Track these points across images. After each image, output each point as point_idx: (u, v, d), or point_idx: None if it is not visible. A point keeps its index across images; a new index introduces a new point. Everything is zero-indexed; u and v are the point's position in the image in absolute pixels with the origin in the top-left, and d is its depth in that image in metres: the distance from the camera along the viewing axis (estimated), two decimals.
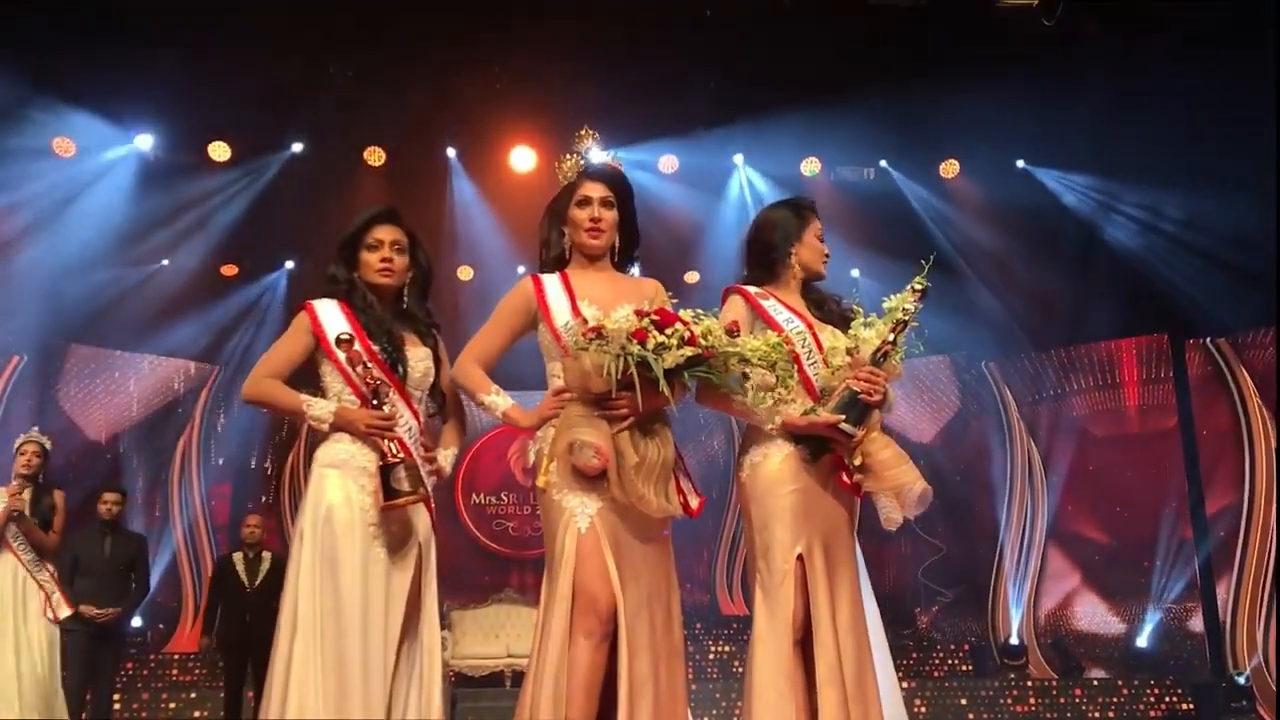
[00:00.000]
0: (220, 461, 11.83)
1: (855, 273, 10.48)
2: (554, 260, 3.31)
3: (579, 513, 2.98)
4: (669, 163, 10.65)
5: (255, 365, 3.30)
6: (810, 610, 3.09)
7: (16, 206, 9.72)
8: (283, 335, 3.32)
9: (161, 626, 11.21)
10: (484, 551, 12.28)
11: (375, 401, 3.15)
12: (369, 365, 3.15)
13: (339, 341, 3.16)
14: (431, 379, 3.33)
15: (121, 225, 10.12)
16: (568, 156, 3.33)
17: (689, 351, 2.91)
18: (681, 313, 2.99)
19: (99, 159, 9.95)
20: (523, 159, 10.50)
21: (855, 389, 3.09)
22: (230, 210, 10.34)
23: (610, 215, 3.26)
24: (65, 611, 6.15)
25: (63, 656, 6.19)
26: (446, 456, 3.37)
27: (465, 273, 11.48)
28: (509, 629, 10.49)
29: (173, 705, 8.95)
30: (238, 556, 7.71)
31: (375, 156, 10.40)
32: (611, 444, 2.93)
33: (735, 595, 12.30)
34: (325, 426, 3.19)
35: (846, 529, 3.23)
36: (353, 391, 3.19)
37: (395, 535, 3.16)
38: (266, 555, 7.69)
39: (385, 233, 3.34)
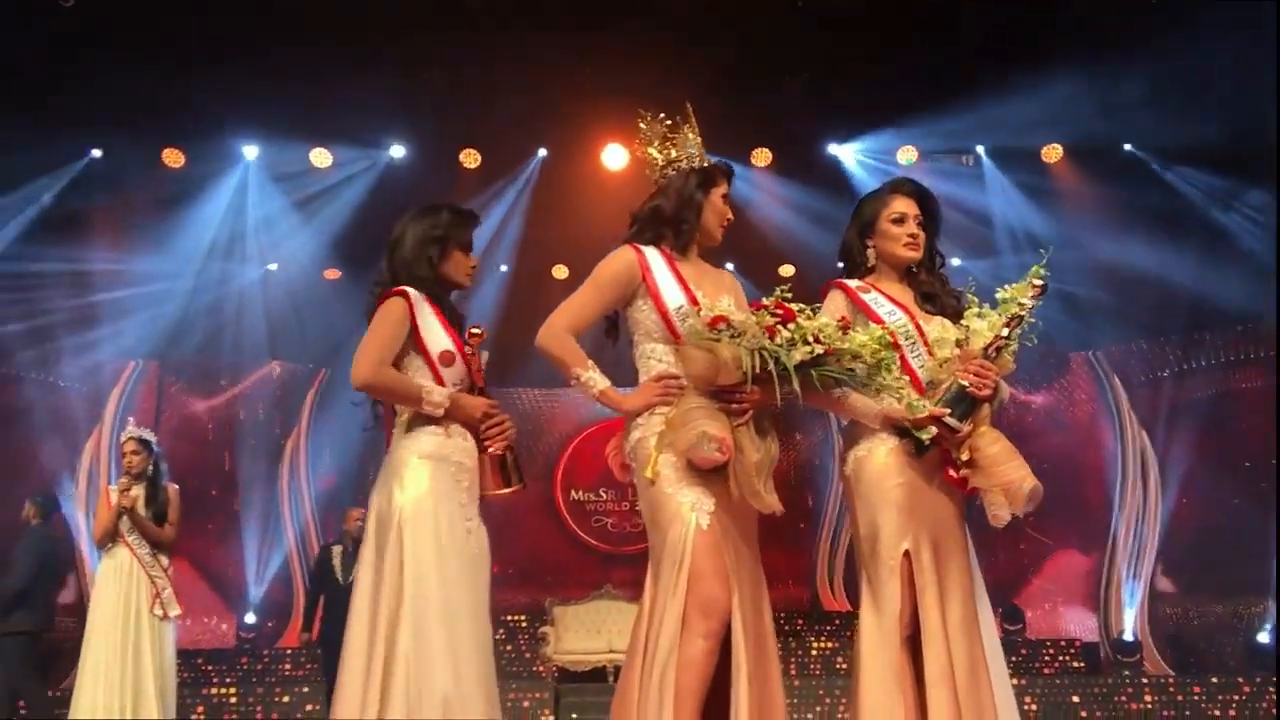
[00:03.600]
0: (328, 458, 12.10)
1: (956, 261, 10.27)
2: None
3: (698, 508, 2.91)
4: (762, 156, 10.58)
5: (360, 352, 3.15)
6: (918, 607, 3.01)
7: (130, 216, 10.12)
8: (380, 322, 3.19)
9: (271, 624, 11.54)
10: (584, 547, 12.38)
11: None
12: (477, 353, 3.17)
13: (471, 335, 3.20)
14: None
15: (230, 231, 10.45)
16: (677, 135, 3.23)
17: (818, 349, 2.86)
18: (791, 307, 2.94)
19: (207, 168, 10.28)
20: (615, 156, 10.52)
21: (964, 382, 3.01)
22: (333, 215, 10.58)
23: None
24: (175, 609, 6.19)
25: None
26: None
27: (560, 271, 11.56)
28: (610, 624, 10.51)
29: (285, 699, 9.16)
30: (337, 549, 7.66)
31: (471, 159, 10.55)
32: (732, 438, 2.87)
33: (837, 591, 12.18)
34: (439, 412, 3.14)
35: (956, 524, 3.13)
36: (437, 383, 3.17)
37: (480, 528, 3.19)
38: None
39: (470, 237, 3.37)
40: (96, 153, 9.92)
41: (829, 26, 8.70)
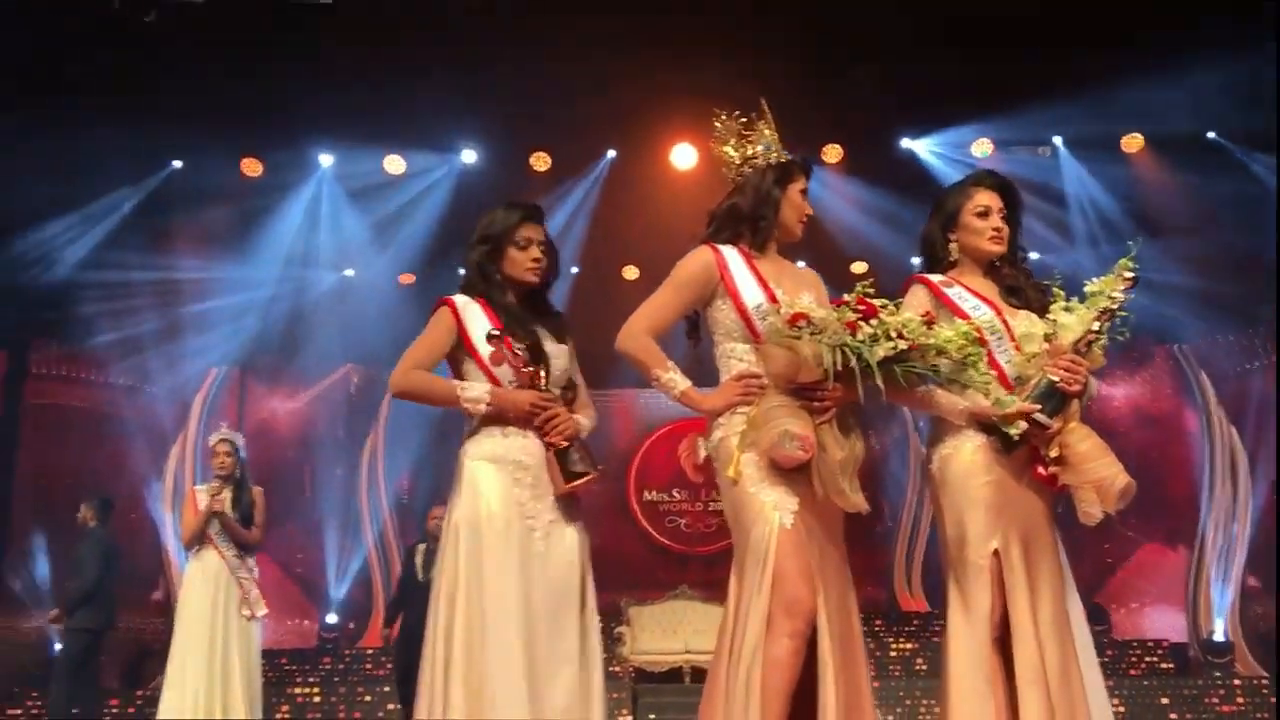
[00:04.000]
0: (404, 459, 12.25)
1: (1033, 255, 10.07)
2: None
3: (781, 507, 2.87)
4: (833, 152, 10.48)
5: (400, 360, 3.21)
6: (1008, 607, 2.95)
7: (210, 225, 10.37)
8: (425, 331, 3.24)
9: (352, 626, 11.72)
10: (658, 548, 12.39)
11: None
12: (519, 355, 3.14)
13: (489, 337, 3.14)
14: (567, 373, 3.30)
15: (307, 238, 10.65)
16: (753, 132, 3.20)
17: (902, 345, 2.82)
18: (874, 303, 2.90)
19: (284, 177, 10.49)
20: (684, 156, 10.51)
21: (1053, 378, 2.95)
22: (407, 221, 10.73)
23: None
24: (262, 609, 6.30)
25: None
26: (584, 421, 3.27)
27: (630, 272, 11.57)
28: (686, 625, 10.51)
29: (368, 699, 9.31)
30: (420, 548, 7.68)
31: (541, 161, 10.61)
32: (814, 436, 2.84)
33: (915, 591, 12.04)
34: (481, 408, 3.14)
35: (1045, 523, 3.06)
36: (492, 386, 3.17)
37: (557, 525, 3.16)
38: None
39: (535, 231, 3.31)
40: (177, 164, 10.17)
41: (901, 17, 8.58)
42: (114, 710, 9.31)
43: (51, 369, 10.58)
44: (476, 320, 3.21)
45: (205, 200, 10.18)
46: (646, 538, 12.38)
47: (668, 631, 10.50)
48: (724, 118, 3.23)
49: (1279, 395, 9.24)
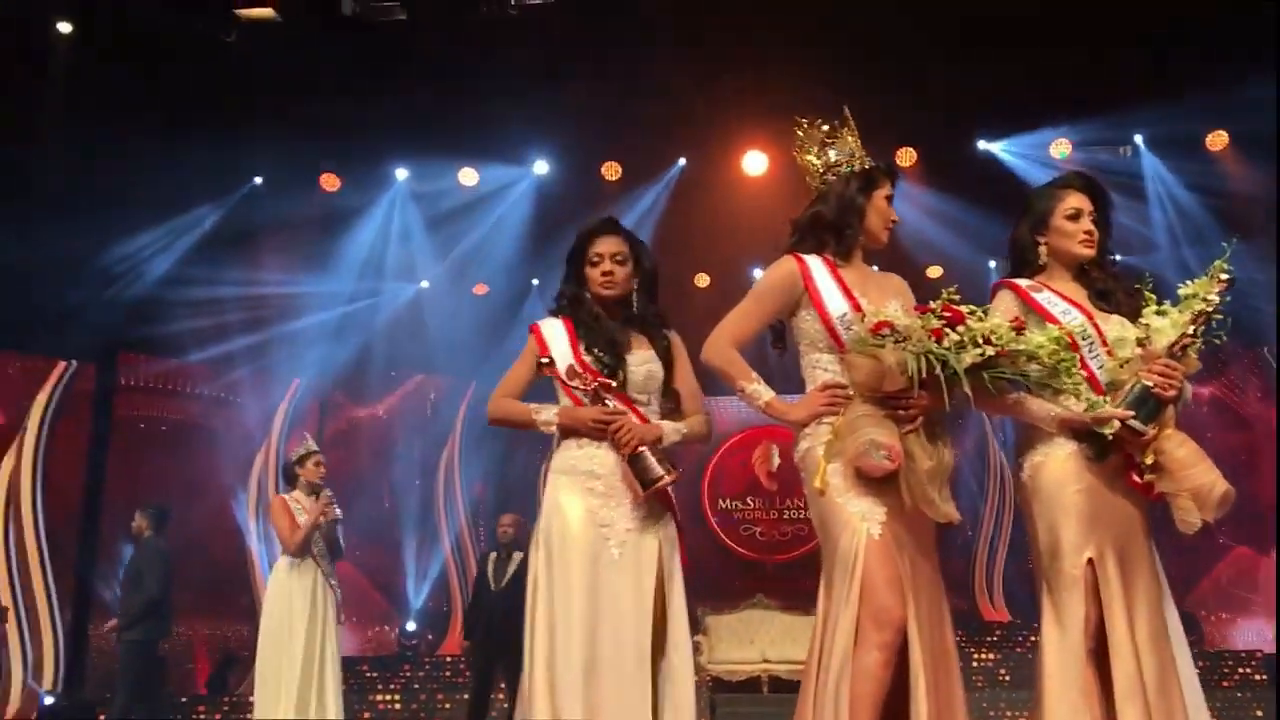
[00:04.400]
0: (479, 468, 12.37)
1: (1116, 257, 9.85)
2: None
3: (869, 517, 2.85)
4: (908, 155, 10.37)
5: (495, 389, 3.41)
6: (1104, 618, 2.88)
7: (287, 241, 10.59)
8: (519, 359, 3.44)
9: (430, 637, 11.85)
10: (733, 556, 12.33)
11: (600, 404, 3.21)
12: (583, 375, 3.21)
13: (539, 365, 3.29)
14: (658, 380, 3.33)
15: (384, 251, 10.85)
16: (836, 139, 3.18)
17: (990, 351, 2.77)
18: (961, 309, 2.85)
19: (361, 191, 10.70)
20: (755, 163, 10.50)
21: (1148, 383, 2.88)
22: (481, 232, 10.86)
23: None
24: (341, 616, 6.45)
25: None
26: (670, 427, 3.30)
27: (702, 280, 11.56)
28: (763, 634, 10.43)
29: (448, 705, 9.40)
30: (491, 556, 7.74)
31: (612, 171, 10.67)
32: (901, 446, 2.81)
33: (996, 601, 11.84)
34: (553, 429, 3.29)
35: (1141, 532, 2.98)
36: (573, 404, 3.27)
37: (634, 534, 3.19)
38: (517, 555, 7.53)
39: (604, 245, 3.37)
40: (258, 180, 10.41)
41: (970, 20, 8.47)
42: (200, 716, 9.52)
43: (139, 381, 10.85)
44: (556, 340, 3.34)
45: (285, 215, 10.40)
46: (721, 546, 12.32)
47: (744, 641, 10.43)
48: (806, 125, 3.22)
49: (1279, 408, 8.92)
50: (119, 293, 10.02)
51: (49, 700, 9.27)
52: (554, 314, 3.44)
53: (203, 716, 9.51)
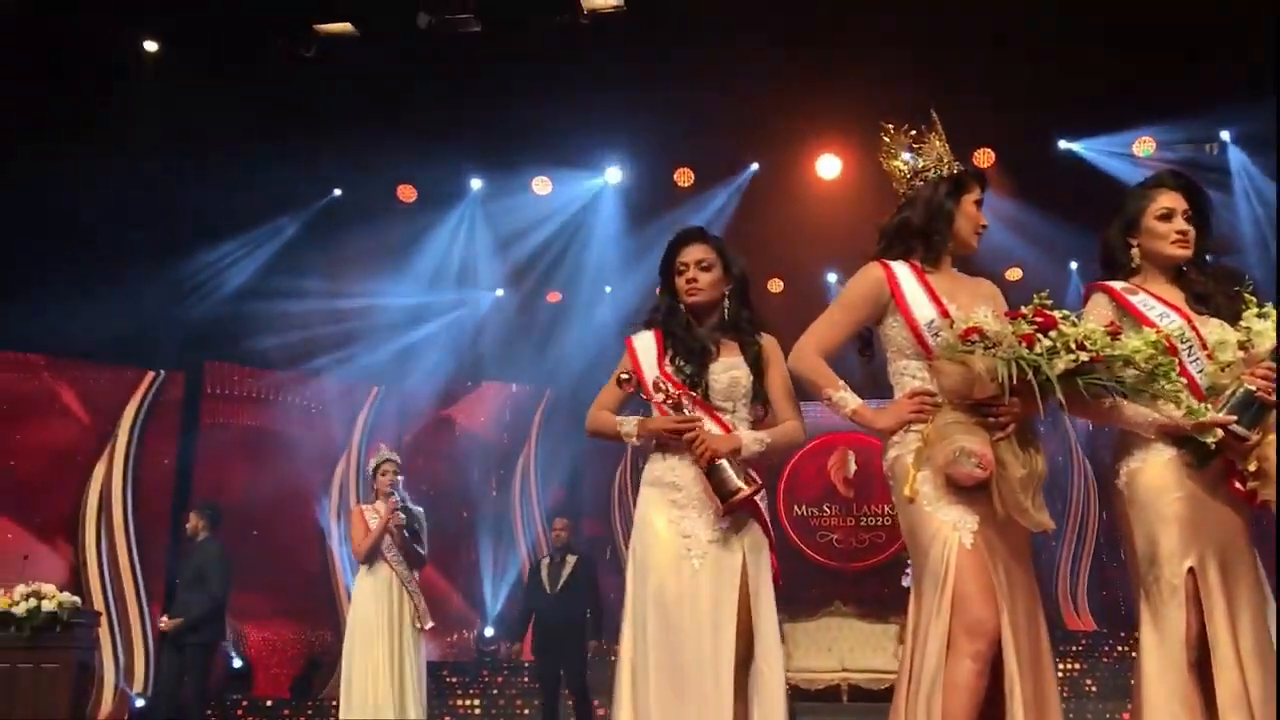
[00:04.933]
0: (555, 473, 12.47)
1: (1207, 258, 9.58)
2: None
3: (960, 526, 2.79)
4: (985, 156, 10.20)
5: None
6: (1206, 629, 2.80)
7: (366, 251, 10.77)
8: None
9: (508, 640, 11.92)
10: (810, 564, 12.21)
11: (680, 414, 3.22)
12: (665, 387, 3.24)
13: (619, 382, 3.32)
14: (744, 386, 3.32)
15: (459, 260, 10.99)
16: (924, 144, 3.14)
17: (1084, 356, 2.71)
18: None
19: (436, 201, 10.86)
20: (829, 166, 10.43)
21: (1250, 387, 2.79)
22: (554, 240, 10.96)
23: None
24: (429, 622, 6.45)
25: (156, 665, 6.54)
26: (750, 436, 3.29)
27: (775, 285, 11.50)
28: (842, 642, 10.34)
29: (526, 711, 9.46)
30: (545, 562, 7.78)
31: (685, 178, 10.66)
32: (993, 453, 2.76)
33: (1081, 610, 11.59)
34: (635, 440, 3.34)
35: (1243, 541, 2.89)
36: (660, 414, 3.30)
37: (712, 548, 3.18)
38: (571, 559, 7.65)
39: (689, 254, 3.41)
40: (337, 192, 10.61)
41: (1050, 16, 8.32)
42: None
43: (225, 390, 11.11)
44: (645, 352, 3.39)
45: (364, 227, 10.56)
46: (797, 553, 12.22)
47: (822, 649, 10.34)
48: (892, 130, 3.19)
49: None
50: (205, 304, 10.28)
51: (140, 703, 9.50)
52: (647, 325, 3.47)
53: (287, 719, 9.69)
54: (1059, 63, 8.79)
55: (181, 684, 7.13)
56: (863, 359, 3.18)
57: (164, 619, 7.24)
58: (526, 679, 10.43)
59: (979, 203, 3.13)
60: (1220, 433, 2.81)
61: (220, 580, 7.20)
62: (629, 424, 3.34)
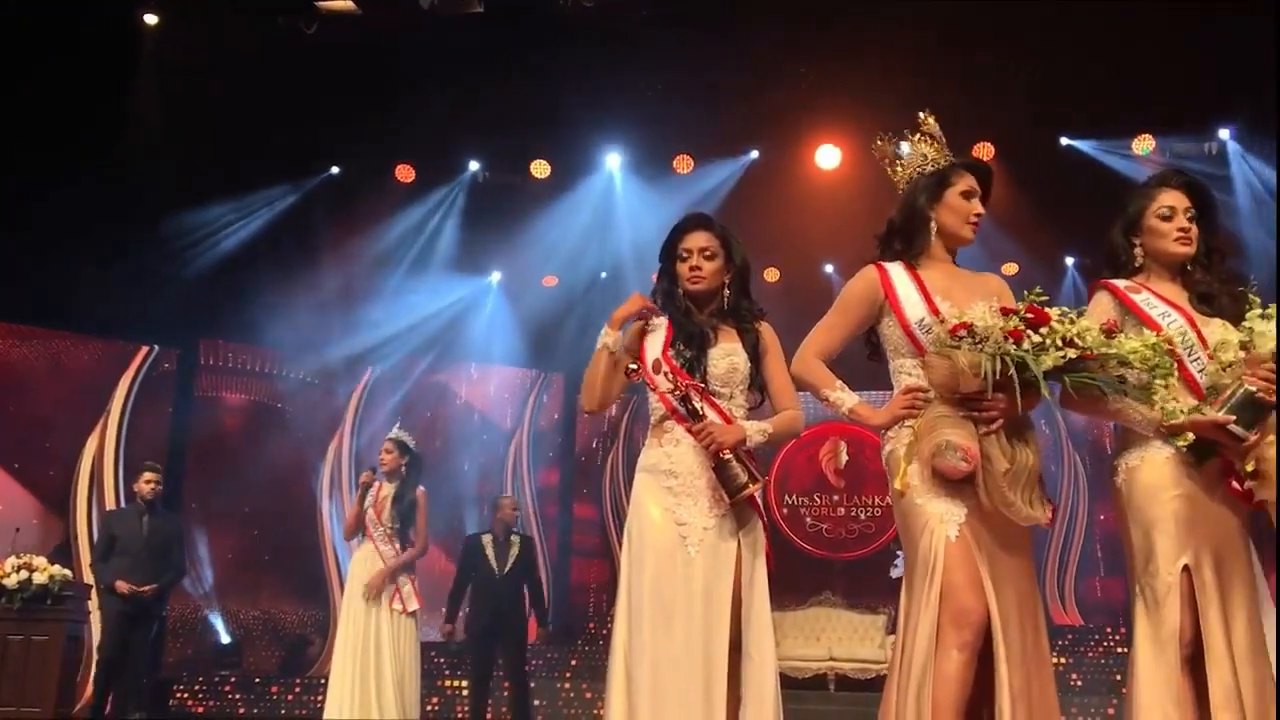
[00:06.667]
0: (549, 457, 12.45)
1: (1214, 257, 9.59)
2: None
3: (946, 519, 2.83)
4: (985, 149, 10.21)
5: None
6: (1200, 627, 2.82)
7: (364, 231, 10.75)
8: None
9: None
10: (799, 553, 12.26)
11: (688, 407, 3.19)
12: (670, 376, 3.23)
13: (628, 372, 3.31)
14: (741, 373, 3.32)
15: (461, 245, 11.00)
16: (913, 148, 3.18)
17: (1071, 353, 2.73)
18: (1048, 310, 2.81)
19: (437, 184, 10.86)
20: (829, 157, 10.42)
21: (1251, 388, 2.81)
22: (551, 226, 10.94)
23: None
24: (414, 604, 6.29)
25: (101, 632, 6.57)
26: (754, 427, 3.29)
27: (771, 274, 11.50)
28: (830, 632, 10.38)
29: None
30: (487, 539, 7.44)
31: (684, 165, 10.65)
32: (979, 447, 2.79)
33: (1068, 605, 11.67)
34: (611, 344, 3.35)
35: (1240, 540, 2.92)
36: (663, 405, 3.29)
37: (711, 532, 3.18)
38: (515, 539, 7.42)
39: (692, 240, 3.40)
40: (335, 170, 10.61)
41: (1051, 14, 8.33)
42: (273, 697, 9.71)
43: (219, 362, 11.10)
44: (652, 336, 3.39)
45: (361, 205, 10.55)
46: (787, 543, 12.26)
47: (810, 638, 10.38)
48: (879, 143, 3.25)
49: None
50: (200, 279, 10.24)
51: None
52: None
53: (275, 696, 9.69)
54: (1059, 59, 8.81)
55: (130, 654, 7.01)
56: (872, 360, 3.21)
57: (143, 586, 6.97)
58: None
59: (967, 192, 3.12)
60: (1191, 437, 2.84)
61: (181, 551, 7.40)
62: (602, 338, 3.36)
